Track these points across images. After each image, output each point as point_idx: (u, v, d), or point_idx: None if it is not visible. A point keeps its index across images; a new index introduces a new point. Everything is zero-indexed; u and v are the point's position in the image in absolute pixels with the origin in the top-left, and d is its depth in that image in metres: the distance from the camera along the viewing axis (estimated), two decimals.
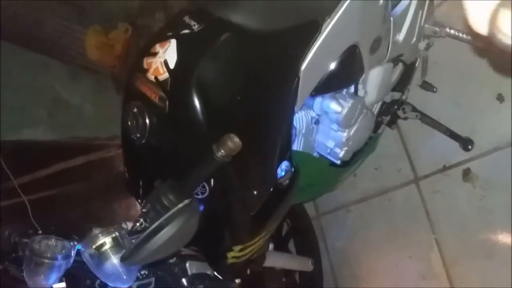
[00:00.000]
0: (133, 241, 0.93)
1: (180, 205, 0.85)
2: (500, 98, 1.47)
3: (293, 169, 1.17)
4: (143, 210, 0.97)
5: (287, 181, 1.17)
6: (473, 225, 1.54)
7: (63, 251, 1.08)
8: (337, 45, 1.11)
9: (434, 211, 1.66)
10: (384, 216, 1.81)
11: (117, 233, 1.02)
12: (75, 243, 1.12)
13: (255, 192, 0.99)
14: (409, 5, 1.27)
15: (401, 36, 1.28)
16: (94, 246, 1.01)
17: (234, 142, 0.85)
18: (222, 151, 0.85)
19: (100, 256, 1.00)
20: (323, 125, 1.41)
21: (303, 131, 1.38)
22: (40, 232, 1.18)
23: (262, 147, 1.04)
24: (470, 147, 1.52)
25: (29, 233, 1.17)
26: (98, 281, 1.17)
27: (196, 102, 0.95)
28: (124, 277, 1.00)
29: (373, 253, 1.85)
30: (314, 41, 1.04)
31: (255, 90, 1.01)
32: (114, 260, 1.00)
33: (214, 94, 0.97)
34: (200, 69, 0.95)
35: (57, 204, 2.99)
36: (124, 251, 1.01)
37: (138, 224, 0.96)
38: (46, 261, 1.05)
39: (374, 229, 1.85)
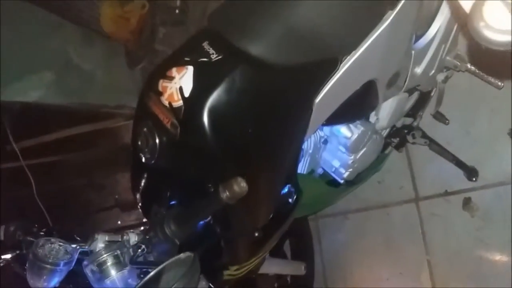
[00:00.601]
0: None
1: (182, 256, 0.87)
2: (510, 133, 1.46)
3: (295, 194, 1.19)
4: (146, 236, 1.00)
5: (289, 205, 1.19)
6: (466, 253, 1.57)
7: (66, 257, 1.10)
8: (354, 81, 1.10)
9: (430, 233, 1.68)
10: (381, 229, 1.84)
11: (118, 251, 1.05)
12: (78, 247, 1.15)
13: (256, 234, 1.01)
14: (433, 38, 1.25)
15: (420, 69, 1.26)
16: (96, 263, 1.04)
17: (240, 187, 0.86)
18: (228, 194, 0.86)
19: (101, 272, 1.03)
20: (331, 144, 1.41)
21: (310, 151, 1.39)
22: (43, 231, 1.20)
23: (270, 185, 1.05)
24: (474, 178, 1.53)
25: (33, 232, 1.20)
26: None
27: (208, 134, 0.96)
28: None
29: (366, 262, 1.89)
30: (331, 78, 1.04)
31: (267, 124, 1.01)
32: (114, 277, 1.03)
33: (226, 127, 0.97)
34: (214, 101, 0.94)
35: (61, 171, 3.04)
36: (124, 267, 1.06)
37: (139, 250, 0.99)
38: (48, 266, 1.08)
39: (369, 240, 1.88)
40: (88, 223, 3.09)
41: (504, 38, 0.30)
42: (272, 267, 1.64)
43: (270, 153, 1.04)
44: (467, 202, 1.57)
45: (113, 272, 1.03)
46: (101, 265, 1.04)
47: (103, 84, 3.13)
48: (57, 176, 2.96)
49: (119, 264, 1.04)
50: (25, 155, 2.66)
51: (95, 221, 3.11)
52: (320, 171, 1.50)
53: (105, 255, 1.04)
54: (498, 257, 1.50)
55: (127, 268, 1.04)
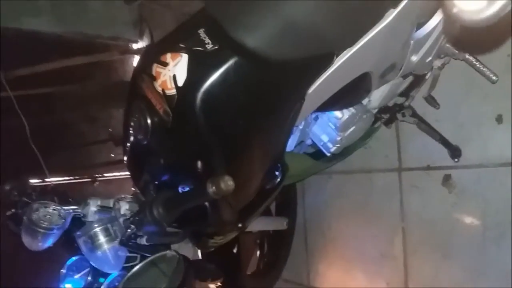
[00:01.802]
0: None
1: (168, 254, 0.92)
2: (499, 119, 1.49)
3: (281, 171, 1.24)
4: (136, 217, 1.05)
5: (275, 180, 1.24)
6: (439, 226, 1.67)
7: (59, 221, 1.17)
8: (348, 74, 1.10)
9: (407, 203, 1.77)
10: (362, 193, 1.93)
11: (109, 225, 1.11)
12: (71, 210, 1.21)
13: (239, 225, 1.07)
14: (434, 28, 1.22)
15: (417, 57, 1.26)
16: (88, 235, 1.10)
17: (227, 185, 0.89)
18: (214, 189, 0.90)
19: (93, 244, 1.10)
20: (321, 119, 1.44)
21: (301, 127, 1.41)
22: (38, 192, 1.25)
23: (258, 175, 1.09)
24: (457, 159, 1.58)
25: (28, 192, 1.25)
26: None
27: (199, 125, 0.98)
28: (112, 262, 1.12)
29: (344, 221, 2.00)
30: (325, 71, 1.04)
31: (259, 116, 1.03)
32: (105, 248, 1.10)
33: (218, 118, 0.99)
34: (207, 93, 0.95)
35: (54, 103, 3.04)
36: (114, 240, 1.12)
37: (129, 230, 1.05)
38: (42, 230, 1.14)
39: (350, 201, 1.98)
40: (82, 156, 3.16)
41: (478, 16, 0.32)
42: (256, 225, 1.74)
43: (260, 144, 1.06)
44: (447, 179, 1.64)
45: (104, 244, 1.10)
46: (92, 237, 1.11)
47: (98, 14, 3.03)
48: (50, 108, 2.97)
49: (109, 236, 1.11)
50: (18, 85, 2.64)
51: (89, 153, 3.19)
52: (309, 142, 1.54)
53: (96, 228, 1.10)
54: (467, 233, 1.59)
55: (117, 240, 1.11)
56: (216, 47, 0.96)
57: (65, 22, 2.96)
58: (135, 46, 3.04)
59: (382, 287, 1.85)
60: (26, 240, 1.18)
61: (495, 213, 1.52)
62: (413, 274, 1.75)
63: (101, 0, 3.02)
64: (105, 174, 3.05)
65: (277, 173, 1.23)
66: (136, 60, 3.05)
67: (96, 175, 3.03)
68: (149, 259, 0.94)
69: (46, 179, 2.43)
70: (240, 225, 1.13)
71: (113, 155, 3.15)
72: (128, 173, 1.26)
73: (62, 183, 2.89)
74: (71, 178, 2.99)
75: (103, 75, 3.12)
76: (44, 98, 2.90)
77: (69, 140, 3.10)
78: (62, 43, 2.96)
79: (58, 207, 1.21)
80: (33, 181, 2.63)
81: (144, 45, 2.99)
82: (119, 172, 3.02)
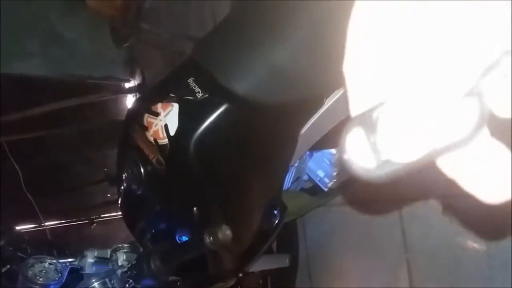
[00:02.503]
0: None
1: None
2: None
3: (279, 212, 1.22)
4: (133, 267, 1.03)
5: (274, 222, 1.22)
6: (444, 256, 1.64)
7: (56, 276, 1.14)
8: (339, 113, 1.09)
9: (410, 233, 1.74)
10: (362, 224, 1.90)
11: (107, 279, 1.08)
12: (68, 264, 1.19)
13: (240, 275, 1.04)
14: None
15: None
16: None
17: (225, 235, 0.88)
18: (212, 240, 0.89)
19: None
20: (317, 155, 1.43)
21: (296, 164, 1.40)
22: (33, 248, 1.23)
23: (255, 221, 1.07)
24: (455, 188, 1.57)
25: (23, 248, 1.23)
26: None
27: (193, 173, 0.97)
28: None
29: (348, 253, 1.97)
30: (316, 113, 1.04)
31: (253, 162, 1.02)
32: None
33: (212, 166, 0.99)
34: (199, 141, 0.95)
35: (48, 146, 3.03)
36: None
37: (127, 285, 1.03)
38: (38, 287, 1.11)
39: (351, 233, 1.94)
40: (78, 197, 3.13)
41: (367, 174, 0.27)
42: (257, 265, 1.70)
43: (256, 187, 1.05)
44: (447, 207, 1.62)
45: None
46: None
47: (88, 55, 3.06)
48: (43, 152, 2.95)
49: None
50: (10, 131, 2.63)
51: (85, 194, 3.15)
52: (305, 177, 1.53)
53: (95, 283, 1.08)
54: (472, 262, 1.57)
55: None
56: (206, 95, 0.96)
57: (55, 64, 2.98)
58: (127, 85, 3.05)
59: None
60: None
61: (499, 241, 1.49)
62: None
63: (90, 40, 3.05)
64: (102, 215, 3.01)
65: (275, 212, 1.22)
66: (128, 99, 3.06)
67: (93, 217, 2.99)
68: None
69: (43, 224, 2.39)
70: (241, 274, 1.10)
71: (109, 195, 3.12)
72: None
73: (59, 227, 2.85)
74: (68, 221, 2.95)
75: (96, 115, 3.12)
76: (37, 142, 2.88)
77: (64, 182, 3.07)
78: (52, 85, 2.97)
79: (54, 261, 1.19)
80: (29, 226, 2.60)
81: (136, 84, 3.01)
82: (116, 212, 2.98)
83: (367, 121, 0.26)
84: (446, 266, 1.63)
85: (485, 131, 0.25)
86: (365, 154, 0.26)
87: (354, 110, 0.29)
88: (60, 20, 3.01)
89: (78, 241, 2.88)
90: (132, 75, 3.06)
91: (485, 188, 0.25)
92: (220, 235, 0.88)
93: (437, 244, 1.66)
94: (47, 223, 2.41)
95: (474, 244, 1.57)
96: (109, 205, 3.03)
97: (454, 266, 1.61)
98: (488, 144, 0.25)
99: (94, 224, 2.99)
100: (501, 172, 0.24)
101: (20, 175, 2.31)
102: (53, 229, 2.70)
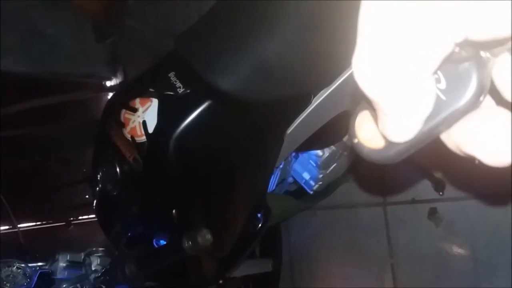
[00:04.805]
0: None
1: None
2: None
3: (263, 215, 1.17)
4: (106, 272, 0.97)
5: (257, 225, 1.18)
6: (429, 261, 1.61)
7: (24, 281, 1.07)
8: (327, 114, 1.06)
9: (395, 237, 1.71)
10: (348, 229, 1.86)
11: (79, 285, 1.02)
12: (38, 268, 1.12)
13: (220, 282, 0.99)
14: None
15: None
16: None
17: (205, 239, 0.83)
18: (191, 244, 0.84)
19: None
20: (302, 157, 1.39)
21: (281, 166, 1.36)
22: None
23: (237, 224, 1.03)
24: (441, 192, 1.54)
25: None
26: None
27: (173, 173, 0.92)
28: None
29: (332, 258, 1.93)
30: (303, 112, 1.00)
31: (236, 162, 0.98)
32: None
33: (192, 166, 0.93)
34: (179, 140, 0.89)
35: (26, 145, 2.93)
36: None
37: None
38: None
39: (336, 237, 1.91)
40: (55, 198, 3.03)
41: (376, 156, 0.27)
42: (239, 270, 1.65)
43: (239, 189, 1.01)
44: (433, 212, 1.59)
45: None
46: None
47: (70, 52, 2.97)
48: (20, 150, 2.85)
49: None
50: None
51: (62, 195, 3.05)
52: (290, 180, 1.49)
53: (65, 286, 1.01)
54: (458, 267, 1.54)
55: None
56: (188, 91, 0.91)
57: (35, 61, 2.89)
58: (108, 83, 2.98)
59: None
60: None
61: (485, 247, 1.47)
62: None
63: (73, 37, 2.96)
64: (80, 217, 2.92)
65: (259, 216, 1.17)
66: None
67: (71, 218, 2.90)
68: None
69: (16, 226, 2.30)
70: (221, 281, 1.05)
71: (88, 196, 3.03)
72: None
73: (34, 229, 2.76)
74: (44, 222, 2.86)
75: (76, 114, 3.04)
76: (14, 140, 2.79)
77: (42, 182, 2.97)
78: (32, 82, 2.88)
79: (23, 265, 1.12)
80: (2, 228, 2.51)
81: (118, 83, 2.94)
82: (94, 214, 2.89)
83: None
84: (431, 272, 1.61)
85: (488, 99, 0.25)
86: (374, 135, 0.27)
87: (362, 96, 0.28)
88: (41, 15, 2.92)
89: (54, 244, 2.79)
90: (114, 73, 2.98)
91: (490, 151, 0.25)
92: (199, 240, 0.83)
93: (423, 250, 1.63)
94: (20, 225, 2.31)
95: (460, 249, 1.54)
96: (88, 207, 2.93)
97: (439, 272, 1.59)
98: (492, 109, 0.25)
99: (71, 226, 2.90)
100: (504, 134, 0.24)
101: None
102: (27, 232, 2.60)
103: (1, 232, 2.39)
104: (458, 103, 0.24)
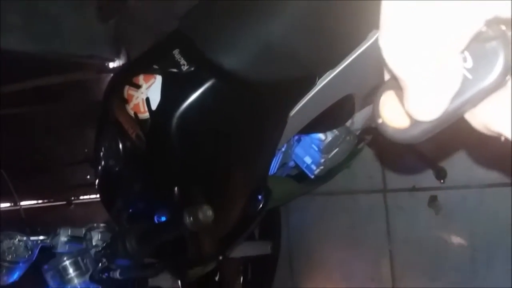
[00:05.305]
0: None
1: None
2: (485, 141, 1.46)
3: (264, 197, 1.17)
4: (107, 246, 0.98)
5: (258, 206, 1.18)
6: (427, 248, 1.62)
7: (25, 254, 1.08)
8: (331, 96, 1.06)
9: (394, 224, 1.72)
10: (347, 214, 1.87)
11: (79, 258, 1.03)
12: (39, 241, 1.13)
13: (220, 258, 1.00)
14: None
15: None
16: (56, 269, 1.02)
17: (206, 215, 0.84)
18: (192, 220, 0.84)
19: (61, 278, 1.02)
20: (304, 141, 1.39)
21: (283, 149, 1.36)
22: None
23: (238, 203, 1.03)
24: (442, 180, 1.55)
25: None
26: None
27: (175, 151, 0.92)
28: None
29: (330, 243, 1.94)
30: (308, 94, 0.99)
31: (238, 141, 0.98)
32: (76, 283, 1.02)
33: (195, 144, 0.93)
34: (182, 118, 0.89)
35: (28, 124, 2.94)
36: (85, 274, 1.04)
37: (100, 264, 0.97)
38: (7, 264, 1.06)
39: (335, 223, 1.92)
40: (56, 178, 3.04)
41: (401, 135, 0.27)
42: (238, 251, 1.66)
43: (241, 169, 1.01)
44: (433, 200, 1.60)
45: (74, 279, 1.02)
46: (61, 271, 1.02)
47: (73, 33, 2.95)
48: (22, 129, 2.86)
49: (80, 270, 1.03)
50: None
51: (64, 175, 3.06)
52: (291, 164, 1.49)
53: (66, 261, 1.02)
54: (456, 255, 1.56)
55: (88, 274, 1.03)
56: (192, 69, 0.90)
57: (37, 40, 2.86)
58: (111, 65, 2.96)
59: None
60: None
61: (483, 235, 1.48)
62: None
63: (76, 18, 2.94)
64: (81, 197, 2.93)
65: (259, 197, 1.18)
66: None
67: (72, 198, 2.91)
68: None
69: (18, 203, 2.31)
70: (221, 257, 1.06)
71: (89, 177, 3.05)
72: None
73: (35, 207, 2.77)
74: (45, 201, 2.87)
75: (78, 94, 3.03)
76: (16, 119, 2.79)
77: (43, 161, 2.98)
78: (33, 61, 2.87)
79: (24, 238, 1.13)
80: (3, 205, 2.52)
81: (121, 64, 2.93)
82: (96, 194, 2.91)
83: (397, 84, 0.26)
84: (429, 259, 1.62)
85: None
86: (399, 114, 0.27)
87: (386, 76, 0.30)
88: None
89: (54, 222, 2.80)
90: (117, 55, 2.96)
91: None
92: (200, 216, 0.83)
93: (421, 237, 1.65)
94: (22, 203, 2.33)
95: (458, 237, 1.55)
96: (89, 187, 2.95)
97: (437, 259, 1.60)
98: None
99: (72, 206, 2.92)
100: None
101: None
102: (28, 210, 2.62)
103: (3, 209, 2.41)
104: (485, 81, 0.24)
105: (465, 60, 0.24)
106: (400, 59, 0.23)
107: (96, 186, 1.11)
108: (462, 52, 0.24)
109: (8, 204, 2.53)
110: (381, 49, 0.24)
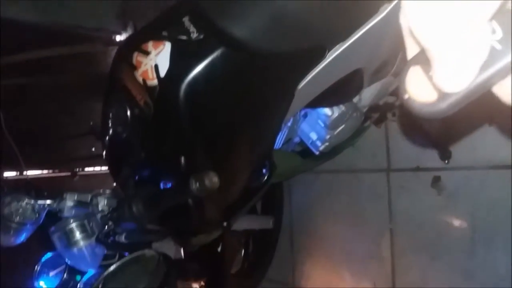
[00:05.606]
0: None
1: (147, 254, 0.87)
2: (490, 121, 1.46)
3: (269, 169, 1.18)
4: (114, 213, 0.99)
5: (262, 179, 1.19)
6: (427, 228, 1.64)
7: (33, 216, 1.10)
8: (340, 70, 1.05)
9: (396, 203, 1.74)
10: (349, 192, 1.89)
11: (86, 221, 1.04)
12: (46, 205, 1.15)
13: (224, 224, 1.02)
14: None
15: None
16: (63, 231, 1.04)
17: (212, 182, 0.85)
18: (198, 186, 0.85)
19: (68, 240, 1.04)
20: (311, 116, 1.40)
21: (289, 124, 1.37)
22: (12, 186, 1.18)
23: (244, 173, 1.04)
24: (447, 161, 1.55)
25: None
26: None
27: (182, 119, 0.92)
28: (89, 260, 1.05)
29: (331, 221, 1.96)
30: (317, 66, 0.99)
31: (246, 111, 0.98)
32: (81, 245, 1.04)
33: (203, 112, 0.94)
34: (191, 85, 0.89)
35: (32, 95, 2.94)
36: (91, 237, 1.06)
37: (107, 227, 0.99)
38: (15, 225, 1.08)
39: (337, 200, 1.94)
40: (61, 149, 3.06)
41: (428, 109, 0.28)
42: (241, 224, 1.69)
43: (247, 140, 1.01)
44: (436, 180, 1.61)
45: (80, 241, 1.04)
46: (68, 233, 1.04)
47: (80, 4, 2.93)
48: (27, 99, 2.85)
49: (86, 233, 1.05)
50: None
51: (68, 147, 3.08)
52: (297, 140, 1.49)
53: (72, 224, 1.04)
54: (456, 235, 1.57)
55: (94, 237, 1.05)
56: (202, 37, 0.90)
57: (44, 11, 2.85)
58: (118, 38, 2.95)
59: (369, 287, 1.81)
60: None
61: (485, 216, 1.49)
62: (401, 275, 1.72)
63: None
64: (86, 169, 2.95)
65: (264, 171, 1.18)
66: None
67: (76, 169, 2.93)
68: (126, 258, 0.89)
69: (22, 172, 2.34)
70: (225, 224, 1.07)
71: (94, 149, 3.06)
72: None
73: (40, 177, 2.79)
74: (49, 172, 2.89)
75: (84, 67, 3.01)
76: (21, 89, 2.79)
77: (48, 132, 2.99)
78: (41, 32, 2.86)
79: (32, 201, 1.15)
80: (8, 174, 2.55)
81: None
82: (100, 166, 2.93)
83: (423, 58, 0.26)
84: (429, 238, 1.64)
85: None
86: (426, 88, 0.27)
87: (410, 52, 0.30)
88: None
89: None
90: (124, 28, 2.95)
91: None
92: (207, 182, 0.84)
93: (422, 216, 1.66)
94: (28, 172, 2.35)
95: (459, 217, 1.57)
96: (93, 159, 2.97)
97: (437, 239, 1.61)
98: None
99: (77, 177, 2.94)
100: None
101: (2, 119, 2.23)
102: (33, 180, 2.64)
103: (9, 178, 2.43)
104: None
105: (494, 31, 0.24)
106: (427, 28, 0.23)
107: (103, 153, 1.12)
108: (490, 21, 0.24)
109: (14, 173, 2.55)
110: (408, 19, 0.24)
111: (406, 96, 0.28)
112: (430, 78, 0.26)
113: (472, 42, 0.23)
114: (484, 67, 0.24)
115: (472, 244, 1.52)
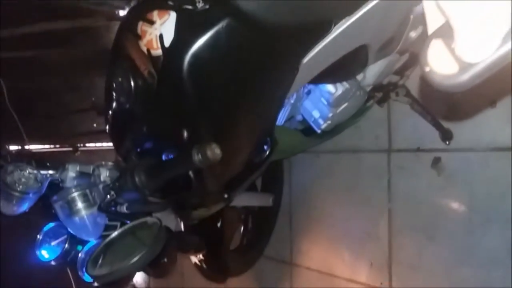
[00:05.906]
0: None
1: (149, 221, 0.88)
2: (492, 103, 1.46)
3: (270, 145, 1.19)
4: (116, 182, 1.00)
5: (263, 154, 1.20)
6: (426, 208, 1.65)
7: (35, 186, 1.11)
8: (345, 45, 1.05)
9: (395, 184, 1.75)
10: (349, 172, 1.90)
11: (88, 190, 1.05)
12: (48, 175, 1.15)
13: (225, 196, 1.02)
14: None
15: (416, 33, 1.21)
16: (65, 200, 1.05)
17: (214, 153, 0.85)
18: (200, 158, 0.85)
19: (70, 209, 1.05)
20: (314, 94, 1.39)
21: (292, 101, 1.36)
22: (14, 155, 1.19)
23: (246, 147, 1.04)
24: (448, 142, 1.55)
25: (2, 155, 1.19)
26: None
27: (186, 89, 0.92)
28: (91, 230, 1.06)
29: (330, 200, 1.97)
30: (322, 40, 0.98)
31: (250, 83, 0.97)
32: (83, 214, 1.05)
33: (206, 83, 0.93)
34: (195, 56, 0.89)
35: (35, 68, 2.92)
36: (93, 206, 1.07)
37: (109, 196, 1.00)
38: (17, 194, 1.09)
39: (337, 180, 1.95)
40: (62, 124, 3.06)
41: (450, 81, 0.29)
42: (241, 200, 1.70)
43: (250, 114, 1.01)
44: (436, 162, 1.61)
45: (82, 210, 1.05)
46: (70, 202, 1.05)
47: None
48: (29, 73, 2.85)
49: (88, 202, 1.06)
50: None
51: (70, 122, 3.09)
52: (299, 118, 1.49)
53: (74, 193, 1.05)
54: (453, 216, 1.58)
55: (96, 207, 1.06)
56: (207, 7, 0.89)
57: None
58: (121, 12, 2.92)
59: (366, 266, 1.84)
60: (0, 203, 1.12)
61: (483, 198, 1.50)
62: (397, 254, 1.74)
63: None
64: (87, 144, 2.96)
65: (265, 147, 1.19)
66: None
67: (78, 145, 2.95)
68: (128, 225, 0.90)
69: (25, 146, 2.35)
70: (226, 196, 1.08)
71: (95, 125, 3.07)
72: (111, 144, 1.20)
73: (42, 152, 2.81)
74: (51, 146, 2.90)
75: (87, 41, 3.00)
76: (24, 62, 2.78)
77: (49, 107, 2.99)
78: (44, 5, 2.83)
79: (35, 171, 1.16)
80: (11, 147, 2.56)
81: None
82: (101, 142, 2.94)
83: (445, 31, 0.27)
84: (427, 218, 1.65)
85: None
86: (447, 61, 0.28)
87: (431, 26, 0.32)
88: None
89: None
90: (127, 3, 2.92)
91: None
92: (209, 153, 0.84)
93: (421, 197, 1.67)
94: (30, 146, 2.36)
95: (458, 198, 1.58)
96: (95, 135, 2.98)
97: (435, 219, 1.63)
98: None
99: (78, 152, 2.95)
100: None
101: (5, 92, 2.23)
102: (35, 154, 2.65)
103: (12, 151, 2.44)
104: None
105: None
106: None
107: (106, 125, 1.12)
108: None
109: (16, 147, 2.56)
110: None
111: (427, 69, 0.29)
112: (452, 51, 0.27)
113: (495, 11, 0.23)
114: (507, 37, 0.24)
115: (469, 225, 1.54)
